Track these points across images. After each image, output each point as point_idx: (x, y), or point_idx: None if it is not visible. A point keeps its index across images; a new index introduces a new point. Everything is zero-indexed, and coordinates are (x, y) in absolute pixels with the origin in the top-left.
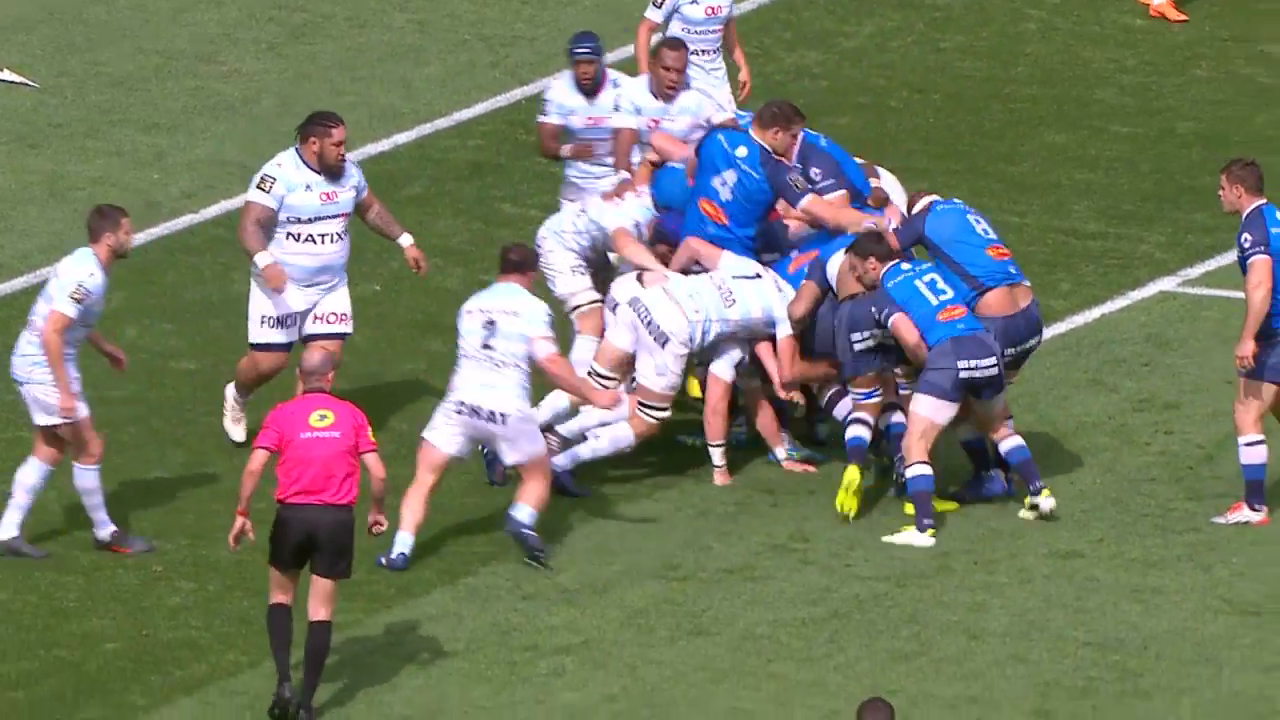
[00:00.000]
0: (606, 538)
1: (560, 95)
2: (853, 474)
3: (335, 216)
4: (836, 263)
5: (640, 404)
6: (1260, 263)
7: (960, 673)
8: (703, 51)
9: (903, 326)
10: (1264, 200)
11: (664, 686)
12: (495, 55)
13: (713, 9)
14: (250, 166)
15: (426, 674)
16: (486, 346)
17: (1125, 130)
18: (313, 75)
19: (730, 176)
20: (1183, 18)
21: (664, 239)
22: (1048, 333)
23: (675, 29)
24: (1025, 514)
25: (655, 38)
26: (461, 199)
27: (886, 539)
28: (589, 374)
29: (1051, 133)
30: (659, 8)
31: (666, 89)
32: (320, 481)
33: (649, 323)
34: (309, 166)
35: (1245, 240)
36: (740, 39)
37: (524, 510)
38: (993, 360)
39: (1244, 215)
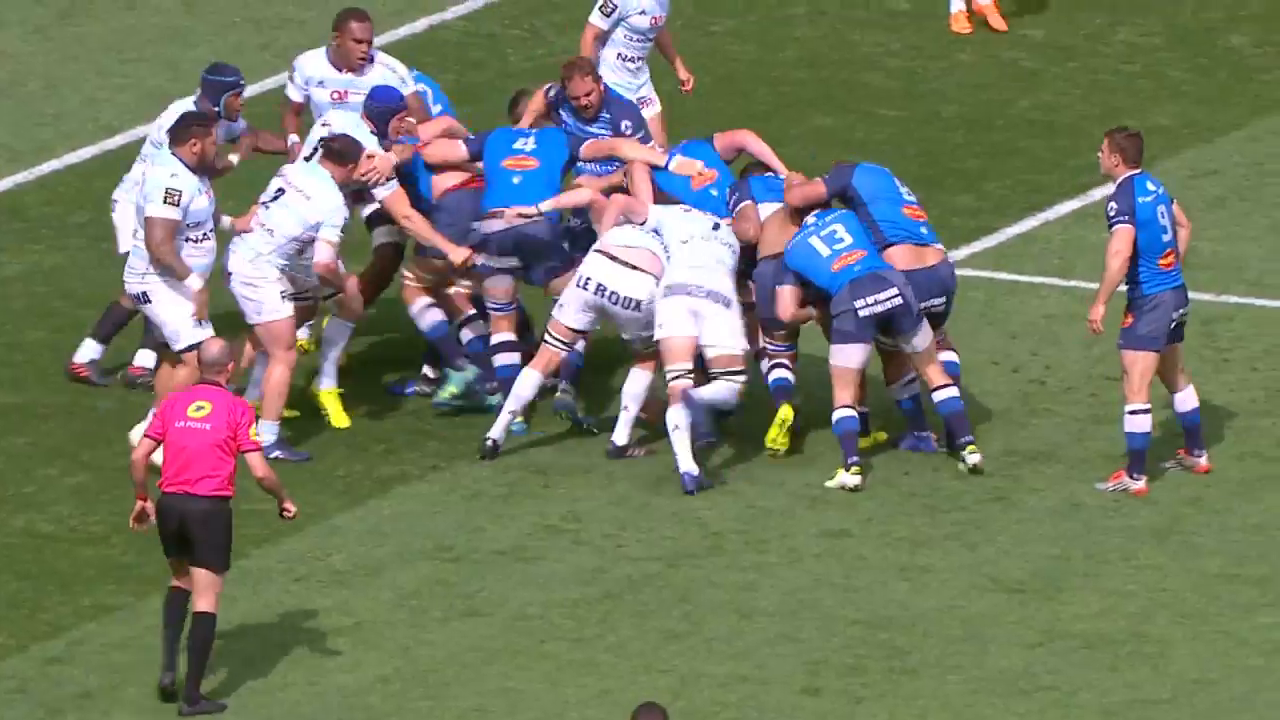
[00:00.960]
0: (379, 520)
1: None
2: (786, 412)
3: (214, 211)
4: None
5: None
6: (1122, 231)
7: (731, 651)
8: (638, 59)
9: (781, 301)
10: (1139, 170)
11: (437, 668)
12: (265, 38)
13: (656, 19)
14: (17, 149)
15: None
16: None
17: (892, 114)
18: (80, 57)
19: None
20: (1003, 26)
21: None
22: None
23: (618, 36)
24: (960, 467)
25: (602, 45)
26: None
27: (827, 483)
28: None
29: (819, 116)
30: (607, 16)
31: (357, 60)
32: (188, 471)
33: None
34: (191, 169)
35: (1111, 208)
36: (514, 21)
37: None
38: (893, 291)
39: (1116, 183)
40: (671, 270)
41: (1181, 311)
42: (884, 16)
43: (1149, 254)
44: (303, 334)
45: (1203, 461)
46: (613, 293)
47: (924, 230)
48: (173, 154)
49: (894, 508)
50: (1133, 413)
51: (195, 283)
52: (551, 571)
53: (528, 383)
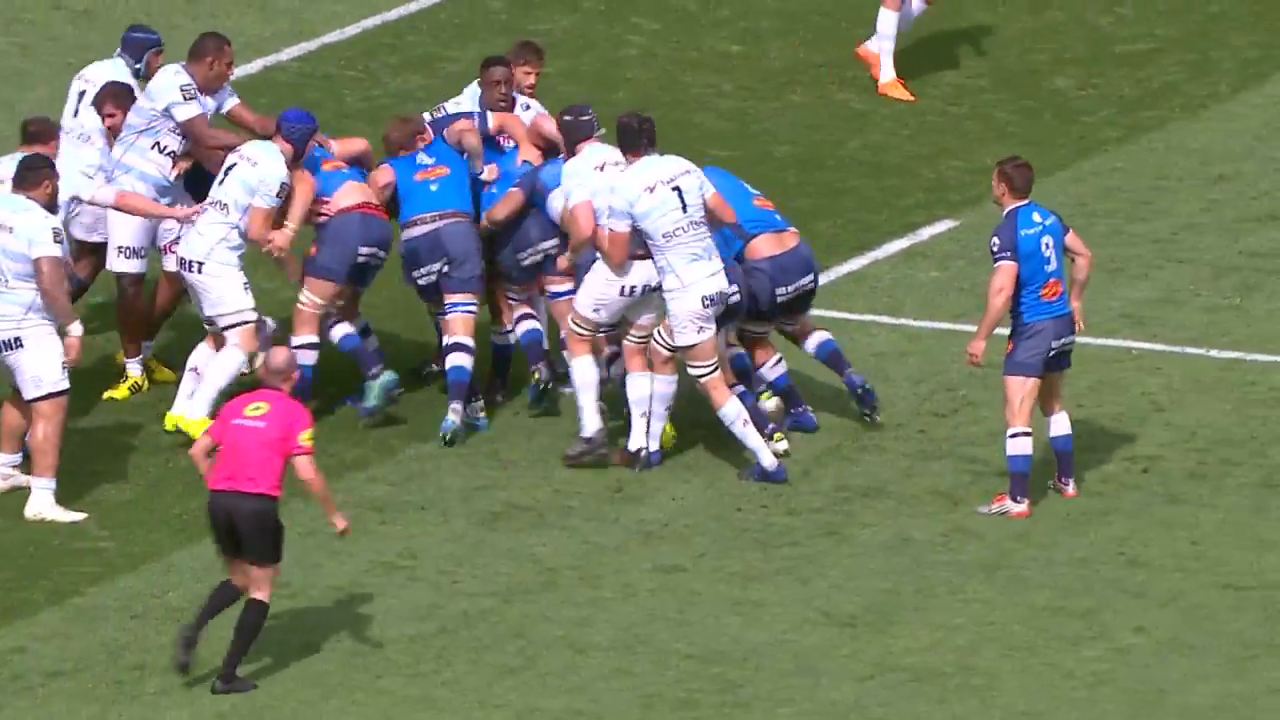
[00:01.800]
0: (215, 557)
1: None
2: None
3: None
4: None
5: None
6: (1004, 268)
7: (566, 686)
8: None
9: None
10: (1025, 201)
11: (274, 703)
12: None
13: None
14: None
15: (33, 694)
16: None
17: (724, 154)
18: None
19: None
20: (910, 98)
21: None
22: None
23: None
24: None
25: None
26: None
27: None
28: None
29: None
30: None
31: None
32: (239, 469)
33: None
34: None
35: (994, 244)
36: (350, 62)
37: None
38: (735, 288)
39: (1003, 215)
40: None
41: (1063, 341)
42: (715, 58)
43: (1030, 285)
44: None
45: (1069, 489)
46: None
47: (778, 217)
48: (28, 197)
49: (727, 543)
50: (1012, 436)
51: (77, 329)
52: (388, 608)
53: (641, 384)
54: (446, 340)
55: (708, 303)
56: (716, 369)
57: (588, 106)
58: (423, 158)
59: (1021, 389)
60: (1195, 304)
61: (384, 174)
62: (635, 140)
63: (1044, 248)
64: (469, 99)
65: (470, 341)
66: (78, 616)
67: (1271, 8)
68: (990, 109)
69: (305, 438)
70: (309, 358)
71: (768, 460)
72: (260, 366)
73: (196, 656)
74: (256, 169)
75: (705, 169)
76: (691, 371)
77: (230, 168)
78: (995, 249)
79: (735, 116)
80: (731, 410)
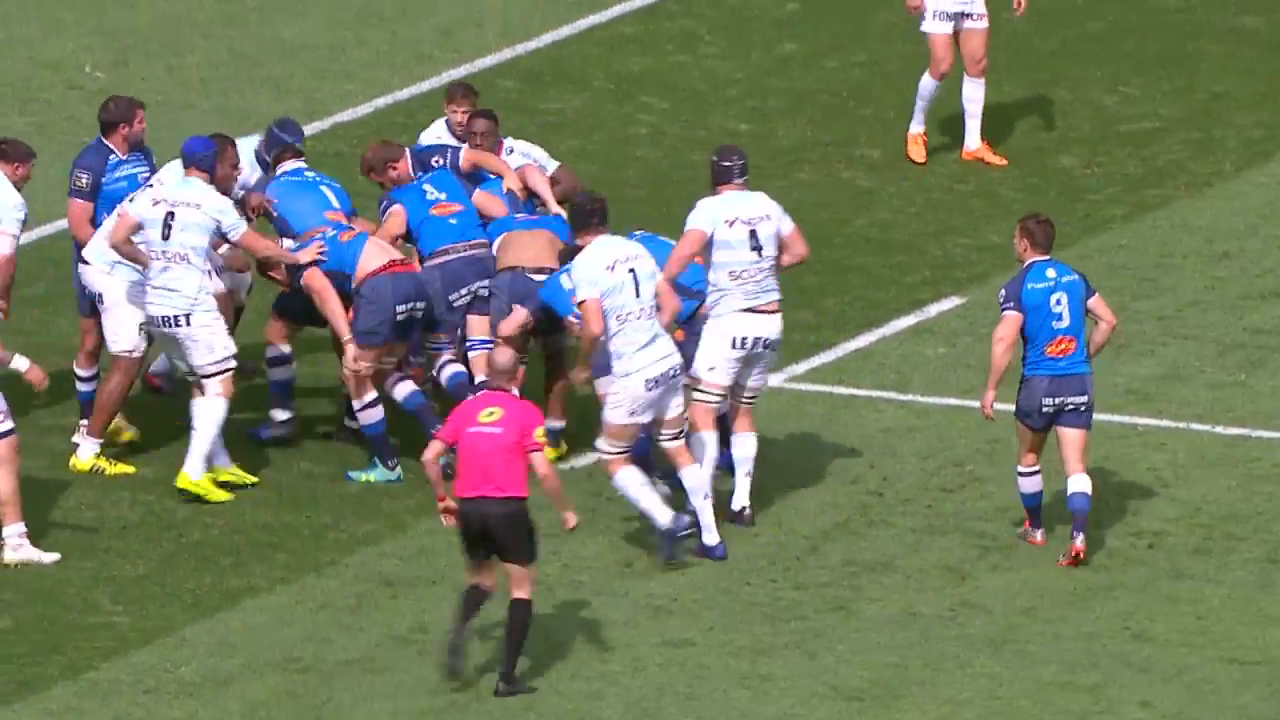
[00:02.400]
0: (228, 631)
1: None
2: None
3: None
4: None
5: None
6: (1006, 318)
7: None
8: None
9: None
10: (1043, 256)
11: None
12: None
13: None
14: None
15: None
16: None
17: None
18: None
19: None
20: (1001, 161)
21: None
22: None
23: None
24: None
25: None
26: None
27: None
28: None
29: (662, 236)
30: None
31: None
32: (484, 477)
33: None
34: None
35: (1001, 295)
36: (358, 142)
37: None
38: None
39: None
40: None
41: (1059, 400)
42: (724, 136)
43: (1035, 340)
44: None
45: (1078, 543)
46: (762, 339)
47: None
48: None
49: (735, 617)
50: (1019, 474)
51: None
52: (399, 682)
53: (710, 442)
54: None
55: (651, 385)
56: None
57: (735, 148)
58: (431, 190)
59: (1020, 433)
60: (1200, 380)
61: (396, 222)
62: (587, 220)
63: (1054, 303)
64: (435, 136)
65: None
66: (91, 691)
67: (1275, 87)
68: (996, 186)
69: (539, 434)
70: (373, 416)
71: (664, 519)
72: (487, 369)
73: (465, 660)
74: (201, 208)
75: (641, 237)
76: (599, 444)
77: (170, 218)
78: (1001, 299)
79: None
80: (625, 479)
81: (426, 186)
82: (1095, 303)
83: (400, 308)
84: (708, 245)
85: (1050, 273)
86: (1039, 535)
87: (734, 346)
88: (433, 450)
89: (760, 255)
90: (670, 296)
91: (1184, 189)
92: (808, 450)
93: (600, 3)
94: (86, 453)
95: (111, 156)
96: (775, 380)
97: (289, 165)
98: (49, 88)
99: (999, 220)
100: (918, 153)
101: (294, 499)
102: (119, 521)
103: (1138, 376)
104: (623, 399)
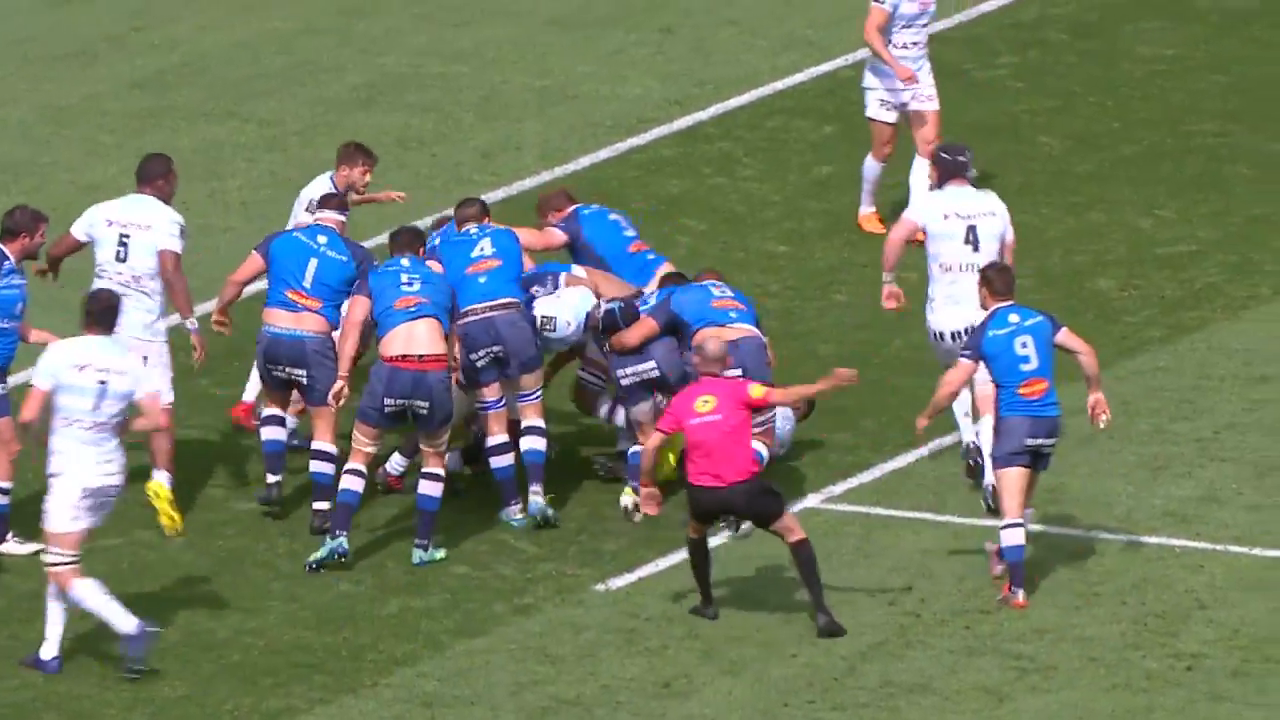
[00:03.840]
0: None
1: None
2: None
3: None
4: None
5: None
6: (961, 365)
7: None
8: (914, 44)
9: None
10: (1006, 302)
11: None
12: None
13: (925, 3)
14: None
15: None
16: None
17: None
18: None
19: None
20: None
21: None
22: None
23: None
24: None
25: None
26: None
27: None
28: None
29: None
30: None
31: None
32: (715, 465)
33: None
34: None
35: (963, 341)
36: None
37: None
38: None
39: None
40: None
41: (1040, 441)
42: (762, 258)
43: (1006, 383)
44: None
45: (1019, 597)
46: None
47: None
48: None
49: None
50: (1004, 528)
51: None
52: None
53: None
54: (525, 423)
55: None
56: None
57: (963, 145)
58: (478, 249)
59: (1005, 480)
60: (1238, 503)
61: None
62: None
63: (1019, 347)
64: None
65: (543, 424)
66: None
67: None
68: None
69: (756, 391)
70: (353, 483)
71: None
72: (696, 358)
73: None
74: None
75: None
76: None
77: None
78: (960, 347)
79: (781, 315)
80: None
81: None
82: (1064, 337)
83: (387, 401)
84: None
85: (1013, 317)
86: (1021, 596)
87: (935, 339)
88: (653, 441)
89: (976, 252)
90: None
91: (1221, 312)
92: (845, 571)
93: (638, 126)
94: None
95: (5, 263)
96: (813, 501)
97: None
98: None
99: None
100: (874, 226)
101: (332, 619)
102: (158, 642)
103: (1175, 498)
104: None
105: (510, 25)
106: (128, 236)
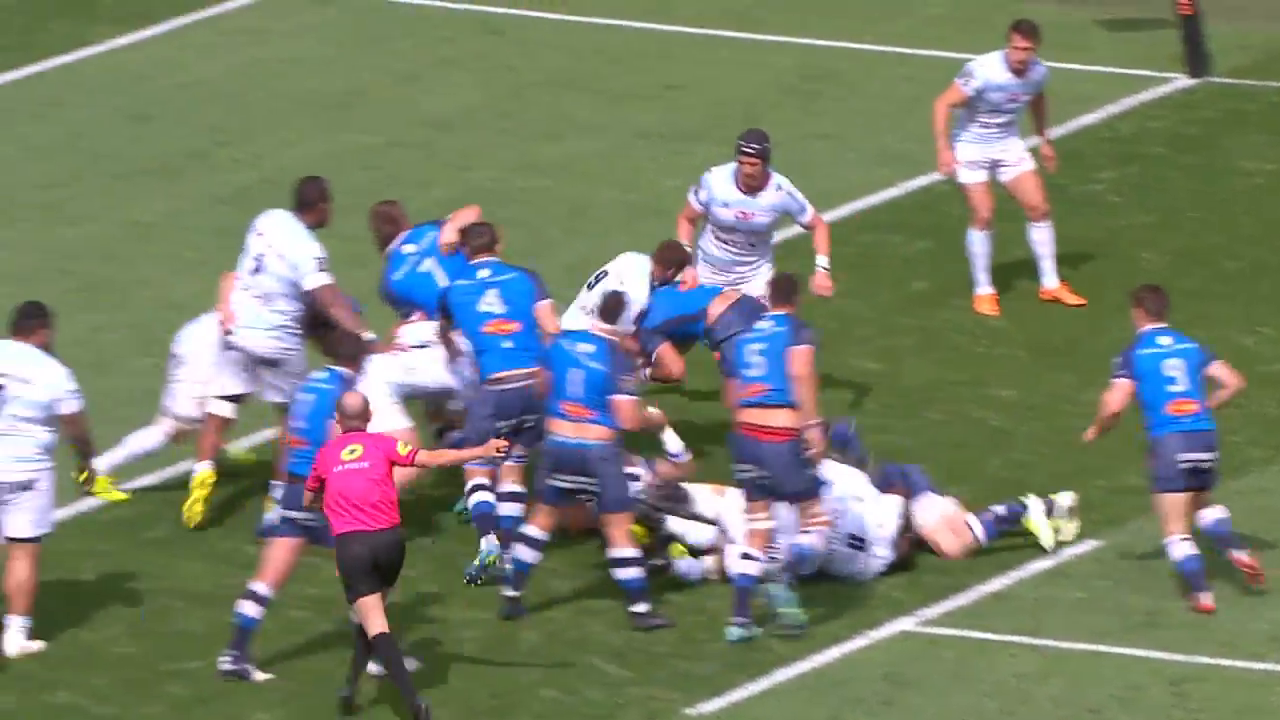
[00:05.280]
0: None
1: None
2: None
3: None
4: None
5: None
6: (1116, 384)
7: None
8: (998, 125)
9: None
10: (1157, 324)
11: None
12: None
13: (1014, 96)
14: None
15: None
16: None
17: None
18: None
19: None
20: (1080, 301)
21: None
22: None
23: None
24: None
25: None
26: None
27: None
28: None
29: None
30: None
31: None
32: (361, 510)
33: None
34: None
35: (1114, 363)
36: None
37: None
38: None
39: None
40: None
41: (1196, 456)
42: (854, 375)
43: (1153, 404)
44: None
45: (1244, 558)
46: None
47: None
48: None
49: None
50: (1170, 544)
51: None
52: None
53: None
54: (503, 487)
55: None
56: None
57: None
58: (488, 302)
59: (1164, 504)
60: None
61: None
62: None
63: (1163, 369)
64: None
65: (523, 490)
66: None
67: None
68: (1132, 429)
69: (401, 447)
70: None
71: None
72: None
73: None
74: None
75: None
76: None
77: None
78: (1115, 366)
79: (874, 434)
80: None
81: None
82: (1217, 368)
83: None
84: None
85: (1162, 340)
86: (1206, 598)
87: None
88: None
89: None
90: None
91: None
92: (941, 696)
93: None
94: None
95: None
96: (907, 624)
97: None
98: (174, 327)
99: (1135, 460)
100: (991, 308)
101: None
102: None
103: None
104: None
105: (598, 139)
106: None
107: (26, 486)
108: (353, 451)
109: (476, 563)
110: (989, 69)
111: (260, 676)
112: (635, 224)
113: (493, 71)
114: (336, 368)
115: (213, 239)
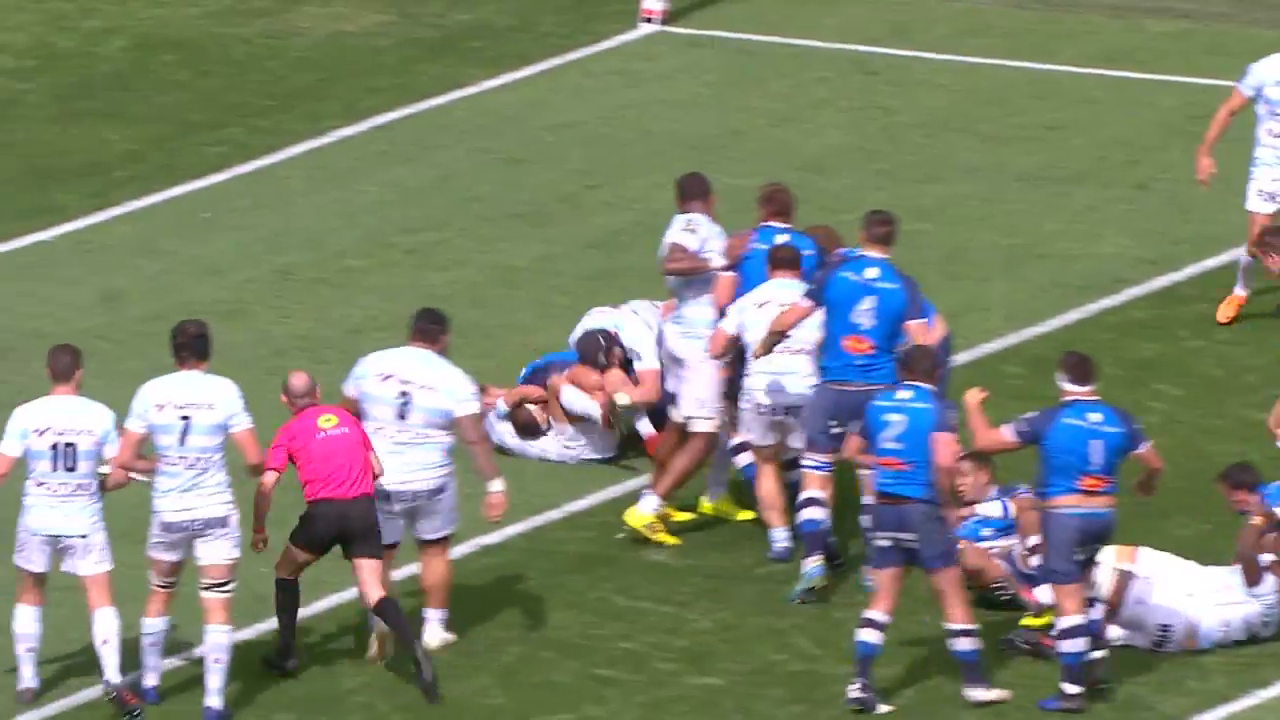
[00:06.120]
0: None
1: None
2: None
3: None
4: None
5: None
6: None
7: None
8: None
9: None
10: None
11: None
12: None
13: None
14: None
15: None
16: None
17: None
18: None
19: (869, 302)
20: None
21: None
22: None
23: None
24: None
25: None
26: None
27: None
28: None
29: None
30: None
31: None
32: (343, 475)
33: None
34: None
35: None
36: None
37: None
38: None
39: None
40: None
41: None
42: (1241, 426)
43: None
44: None
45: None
46: None
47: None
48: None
49: None
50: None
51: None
52: None
53: None
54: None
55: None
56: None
57: None
58: (861, 313)
59: None
60: None
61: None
62: None
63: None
64: None
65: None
66: None
67: None
68: None
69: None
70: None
71: None
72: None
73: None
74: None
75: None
76: None
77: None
78: None
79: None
80: None
81: None
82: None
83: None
84: None
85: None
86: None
87: None
88: (268, 481)
89: None
90: None
91: None
92: None
93: (1111, 286)
94: (646, 507)
95: None
96: None
97: None
98: None
99: None
100: (1227, 312)
101: None
102: None
103: None
104: None
105: (976, 182)
106: None
107: (439, 491)
108: (329, 420)
109: (800, 586)
110: (1268, 67)
111: (884, 708)
112: (1015, 268)
113: (867, 112)
114: (919, 384)
115: (583, 284)
